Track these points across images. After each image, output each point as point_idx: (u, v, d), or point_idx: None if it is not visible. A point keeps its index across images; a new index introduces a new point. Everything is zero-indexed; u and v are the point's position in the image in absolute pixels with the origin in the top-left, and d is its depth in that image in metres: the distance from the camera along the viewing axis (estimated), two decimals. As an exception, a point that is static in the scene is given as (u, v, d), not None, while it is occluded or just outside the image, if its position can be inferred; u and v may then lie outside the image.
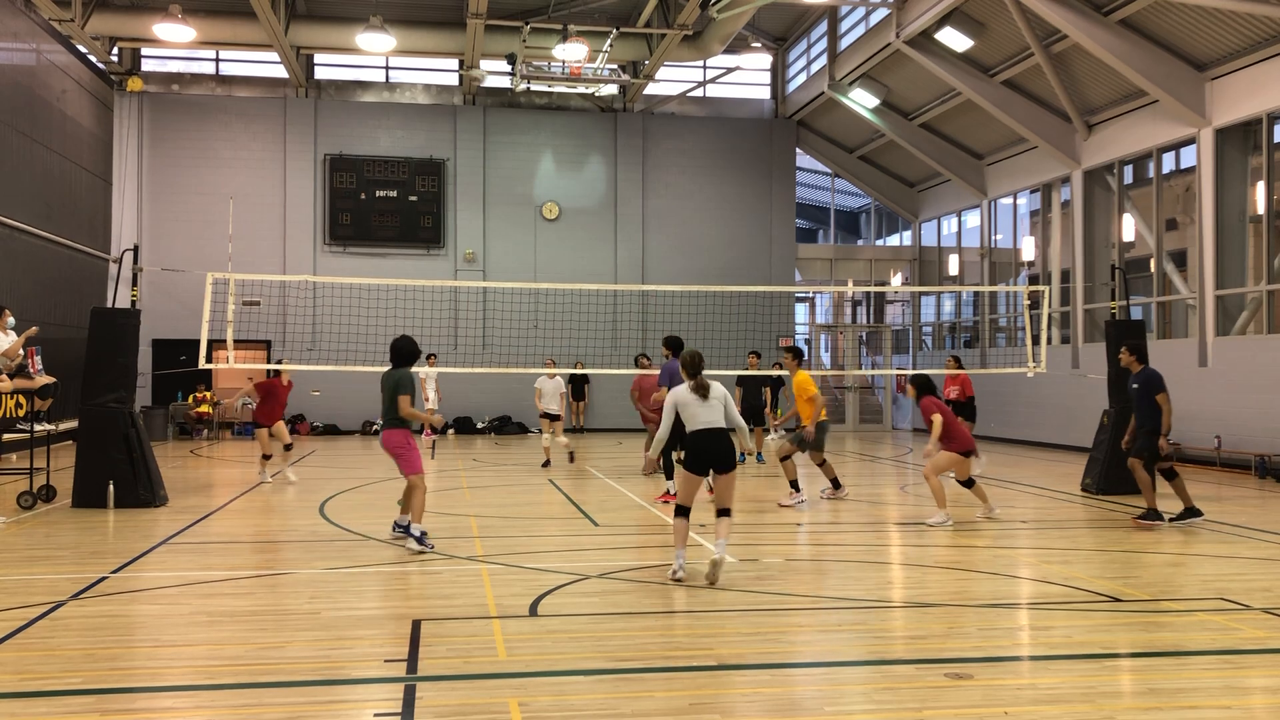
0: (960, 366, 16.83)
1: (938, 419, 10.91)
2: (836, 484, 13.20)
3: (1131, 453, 11.27)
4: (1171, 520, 10.96)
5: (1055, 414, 21.71)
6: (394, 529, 9.66)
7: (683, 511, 8.04)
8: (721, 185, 28.43)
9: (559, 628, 6.59)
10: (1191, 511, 10.99)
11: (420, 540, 9.10)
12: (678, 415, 8.06)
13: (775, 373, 23.60)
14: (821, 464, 13.07)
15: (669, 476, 13.11)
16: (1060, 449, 20.95)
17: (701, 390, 7.96)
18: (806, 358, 30.36)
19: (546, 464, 17.16)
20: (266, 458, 14.72)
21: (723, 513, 8.05)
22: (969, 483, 11.40)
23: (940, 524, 10.86)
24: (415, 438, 9.51)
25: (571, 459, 17.83)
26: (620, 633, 6.56)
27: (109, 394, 12.11)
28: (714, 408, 7.94)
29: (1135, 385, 11.37)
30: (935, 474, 11.16)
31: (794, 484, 12.67)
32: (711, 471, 7.95)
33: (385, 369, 9.48)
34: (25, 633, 6.31)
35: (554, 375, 17.26)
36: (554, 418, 17.12)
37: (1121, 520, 11.46)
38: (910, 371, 28.00)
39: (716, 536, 7.98)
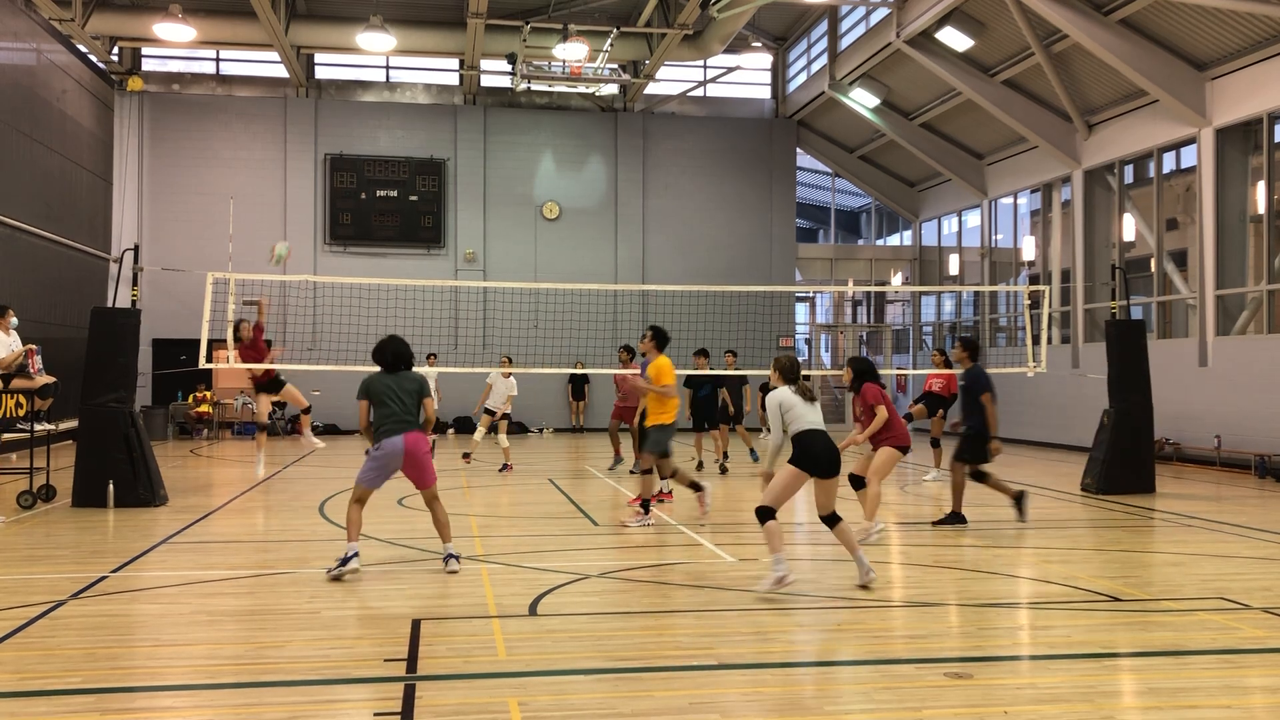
0: (949, 365, 16.16)
1: (882, 410, 9.97)
2: (646, 507, 10.86)
3: (955, 455, 10.84)
4: (936, 523, 10.71)
5: (1055, 414, 21.70)
6: (447, 562, 8.24)
7: (771, 514, 7.51)
8: (722, 185, 28.43)
9: (559, 627, 6.59)
10: (956, 517, 10.67)
11: (457, 559, 8.31)
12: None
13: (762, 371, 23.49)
14: (648, 471, 10.86)
15: (664, 475, 11.85)
16: (1060, 449, 20.95)
17: (806, 394, 7.80)
18: (806, 358, 30.39)
19: (497, 465, 16.35)
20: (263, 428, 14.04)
21: (833, 520, 7.73)
22: (860, 481, 10.20)
23: (877, 533, 9.86)
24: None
25: (467, 458, 16.72)
26: (620, 633, 6.56)
27: (109, 394, 12.10)
28: (817, 409, 7.80)
29: (963, 384, 10.92)
30: (879, 478, 10.06)
31: (645, 503, 10.89)
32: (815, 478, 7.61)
33: (373, 370, 8.45)
34: (25, 632, 6.31)
35: (509, 375, 16.36)
36: (492, 414, 16.31)
37: (1121, 520, 11.46)
38: (909, 372, 28.00)
39: (854, 551, 7.68)
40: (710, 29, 24.16)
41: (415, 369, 8.54)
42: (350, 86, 27.38)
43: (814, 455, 7.55)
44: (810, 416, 7.72)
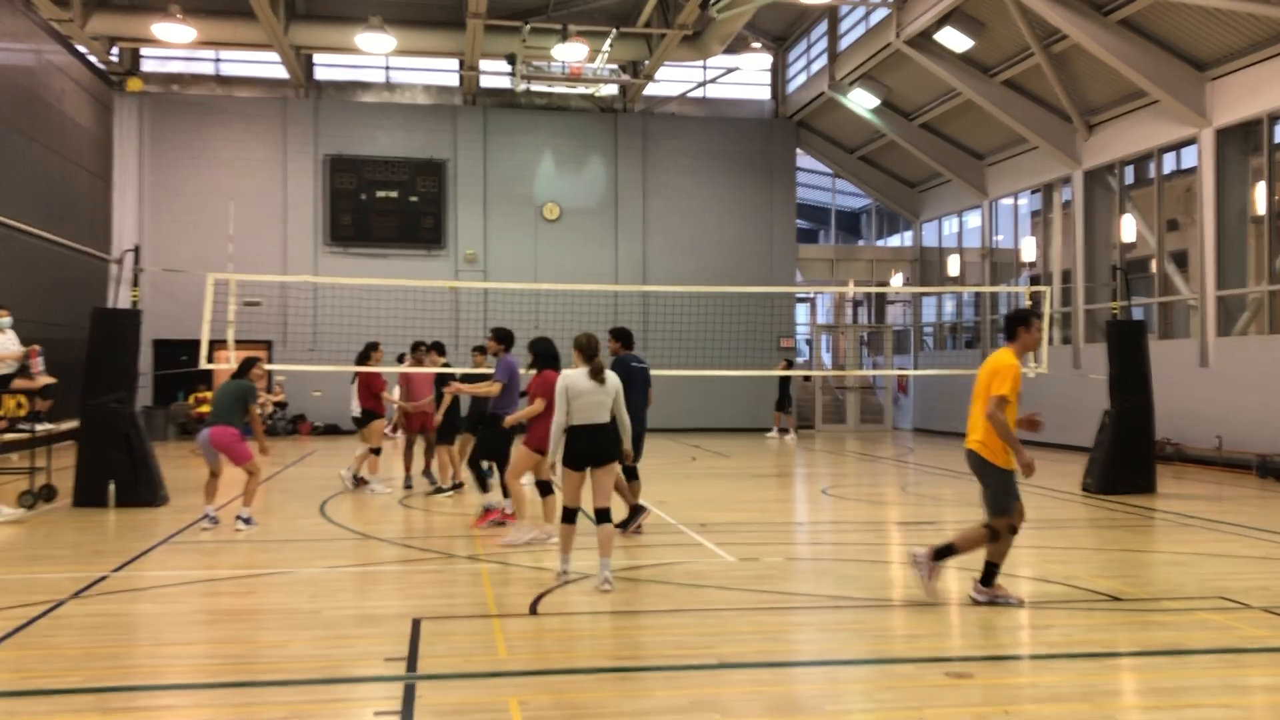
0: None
1: (539, 403, 9.29)
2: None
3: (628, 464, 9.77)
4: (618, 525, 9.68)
5: (1055, 414, 21.58)
6: (236, 521, 10.45)
7: (572, 515, 7.74)
8: (722, 185, 28.42)
9: (559, 627, 6.59)
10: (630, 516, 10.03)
11: (246, 521, 10.43)
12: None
13: (781, 372, 23.50)
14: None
15: (484, 489, 10.73)
16: (1060, 449, 20.95)
17: (598, 373, 7.66)
18: (807, 358, 30.42)
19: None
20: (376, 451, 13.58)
21: (602, 515, 7.60)
22: (547, 488, 9.58)
23: (529, 540, 9.36)
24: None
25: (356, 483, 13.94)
26: (620, 632, 6.56)
27: (109, 394, 12.09)
28: (605, 390, 7.64)
29: (637, 364, 10.33)
30: (516, 478, 9.68)
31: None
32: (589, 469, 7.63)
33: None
34: (26, 631, 6.31)
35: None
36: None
37: (1122, 520, 11.46)
38: (910, 372, 27.98)
39: (604, 555, 7.51)
40: (710, 29, 24.16)
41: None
42: (350, 87, 27.37)
43: (575, 452, 7.58)
44: (590, 411, 7.56)
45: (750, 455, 20.63)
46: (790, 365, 24.19)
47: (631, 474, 10.23)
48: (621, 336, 10.52)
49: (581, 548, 9.61)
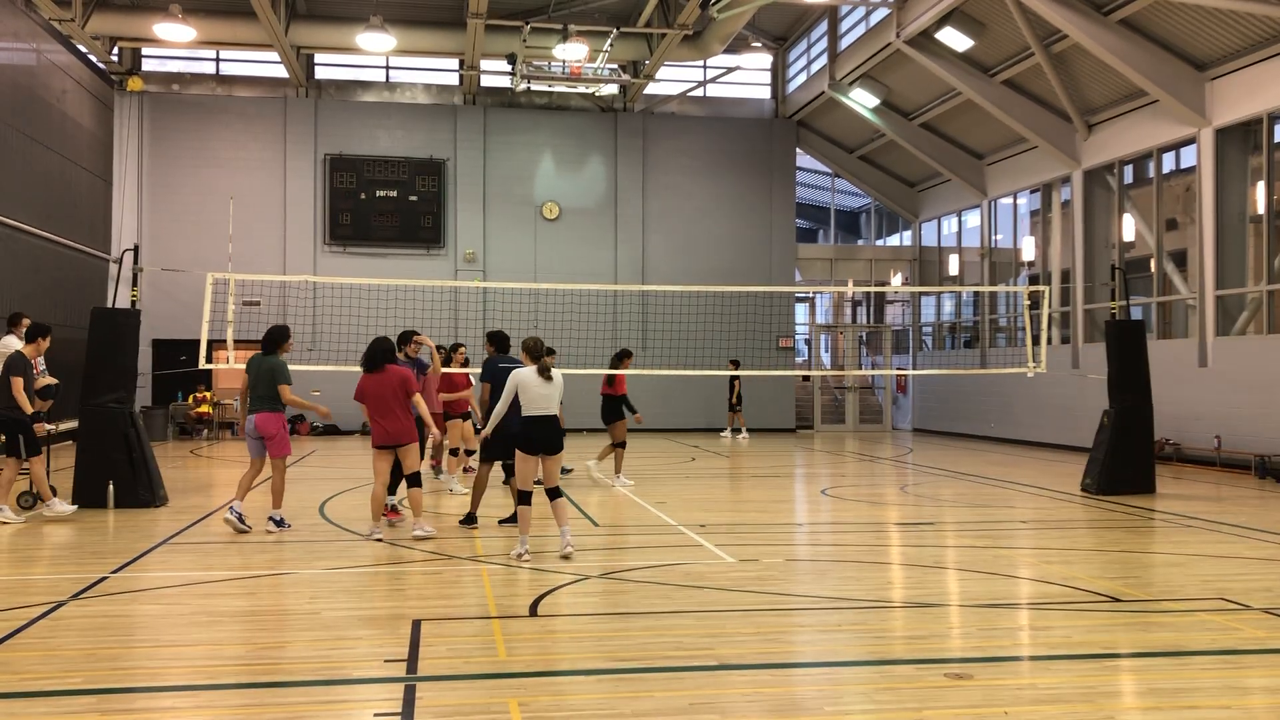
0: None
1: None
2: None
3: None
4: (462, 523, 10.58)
5: (1055, 414, 21.71)
6: (269, 522, 10.22)
7: (528, 498, 8.87)
8: (721, 185, 28.42)
9: (559, 628, 6.59)
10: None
11: (278, 523, 10.21)
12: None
13: (730, 372, 23.37)
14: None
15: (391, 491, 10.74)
16: (1060, 449, 20.96)
17: (545, 372, 8.75)
18: (806, 358, 30.43)
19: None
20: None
21: (554, 493, 8.88)
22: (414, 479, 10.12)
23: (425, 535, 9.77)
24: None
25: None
26: (620, 633, 6.56)
27: (109, 394, 12.09)
28: (551, 387, 8.77)
29: (504, 365, 10.41)
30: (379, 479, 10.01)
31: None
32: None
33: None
34: (25, 633, 6.31)
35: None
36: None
37: (1121, 521, 11.46)
38: (909, 372, 27.99)
39: (562, 525, 8.85)
40: (710, 29, 24.16)
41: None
42: (350, 86, 27.37)
43: (529, 439, 8.69)
44: (539, 404, 8.68)
45: (749, 455, 20.64)
46: (737, 365, 24.07)
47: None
48: (495, 340, 11.06)
49: (582, 549, 9.61)
